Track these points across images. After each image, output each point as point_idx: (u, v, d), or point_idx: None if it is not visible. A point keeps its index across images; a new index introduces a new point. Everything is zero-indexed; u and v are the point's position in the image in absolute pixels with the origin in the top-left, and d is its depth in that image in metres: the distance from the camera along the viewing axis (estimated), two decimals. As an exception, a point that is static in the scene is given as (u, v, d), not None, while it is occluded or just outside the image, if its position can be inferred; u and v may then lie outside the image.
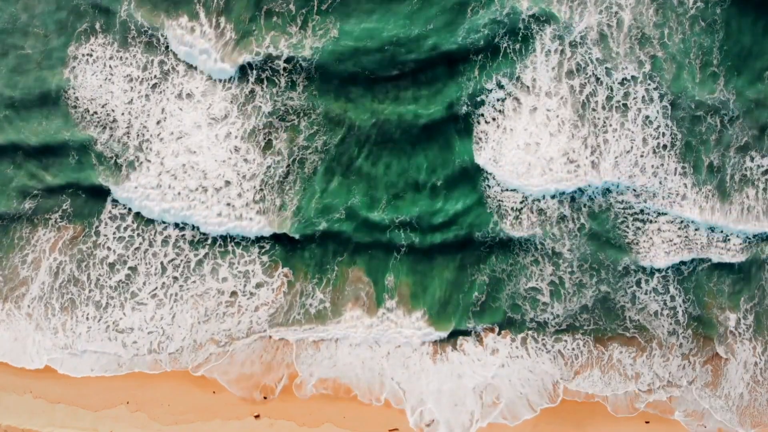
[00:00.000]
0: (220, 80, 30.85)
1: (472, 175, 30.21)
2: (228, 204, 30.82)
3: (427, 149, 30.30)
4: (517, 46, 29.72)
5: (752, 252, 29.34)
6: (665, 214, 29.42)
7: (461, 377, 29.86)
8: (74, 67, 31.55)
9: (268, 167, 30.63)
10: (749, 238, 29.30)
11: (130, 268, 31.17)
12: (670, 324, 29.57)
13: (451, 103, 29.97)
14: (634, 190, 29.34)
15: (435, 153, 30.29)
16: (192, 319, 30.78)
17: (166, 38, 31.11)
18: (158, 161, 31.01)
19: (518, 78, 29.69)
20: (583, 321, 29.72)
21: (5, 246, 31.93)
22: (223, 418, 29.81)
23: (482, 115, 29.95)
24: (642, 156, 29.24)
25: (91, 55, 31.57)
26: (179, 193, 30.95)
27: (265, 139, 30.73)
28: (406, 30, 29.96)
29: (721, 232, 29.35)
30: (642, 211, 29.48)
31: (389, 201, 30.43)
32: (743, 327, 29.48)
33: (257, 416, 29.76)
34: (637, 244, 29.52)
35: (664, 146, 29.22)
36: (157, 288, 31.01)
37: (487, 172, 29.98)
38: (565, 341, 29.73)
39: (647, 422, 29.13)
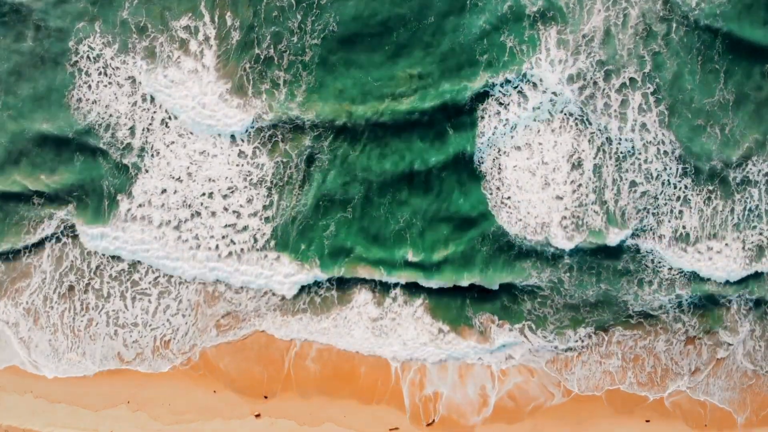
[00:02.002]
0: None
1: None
2: (235, 213, 30.93)
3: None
4: (524, 47, 29.77)
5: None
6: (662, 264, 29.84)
7: (465, 356, 30.02)
8: (76, 62, 31.40)
9: (275, 174, 30.75)
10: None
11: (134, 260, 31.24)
12: (675, 313, 29.73)
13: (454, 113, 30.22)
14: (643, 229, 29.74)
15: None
16: (198, 297, 30.78)
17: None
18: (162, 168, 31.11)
19: (524, 75, 29.73)
20: (585, 314, 29.85)
21: (9, 235, 31.76)
22: (223, 418, 29.76)
23: (485, 109, 30.04)
24: (645, 161, 29.44)
25: (93, 51, 31.47)
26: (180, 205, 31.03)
27: (271, 140, 30.78)
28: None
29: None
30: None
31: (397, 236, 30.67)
32: (744, 311, 29.70)
33: (258, 415, 29.71)
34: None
35: (665, 152, 29.33)
36: (160, 276, 31.00)
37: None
38: (567, 332, 29.86)
39: (647, 421, 29.20)
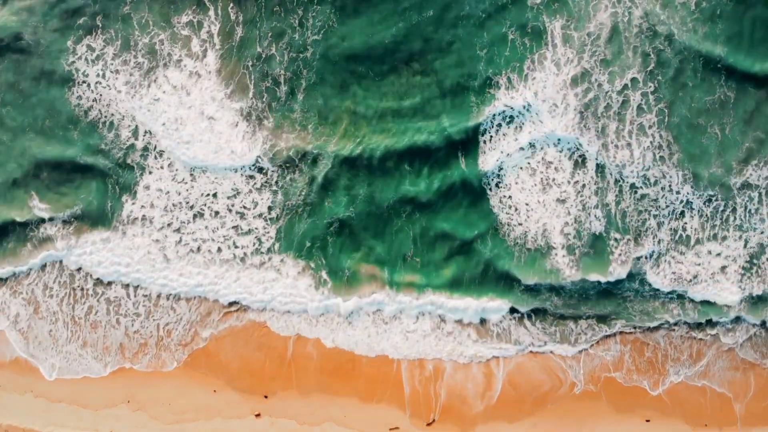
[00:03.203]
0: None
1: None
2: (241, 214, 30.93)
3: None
4: (526, 40, 29.62)
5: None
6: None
7: (466, 344, 30.01)
8: (74, 62, 31.30)
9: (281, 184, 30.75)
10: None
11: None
12: (677, 310, 29.58)
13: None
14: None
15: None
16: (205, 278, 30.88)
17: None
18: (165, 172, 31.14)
19: (526, 76, 29.61)
20: (587, 309, 29.76)
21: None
22: (223, 417, 29.75)
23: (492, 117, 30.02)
24: (644, 169, 29.27)
25: (92, 50, 31.37)
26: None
27: (273, 149, 30.77)
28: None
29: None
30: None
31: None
32: (744, 304, 29.46)
33: (258, 415, 29.68)
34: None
35: (661, 158, 29.12)
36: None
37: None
38: (568, 323, 29.79)
39: (648, 420, 29.13)
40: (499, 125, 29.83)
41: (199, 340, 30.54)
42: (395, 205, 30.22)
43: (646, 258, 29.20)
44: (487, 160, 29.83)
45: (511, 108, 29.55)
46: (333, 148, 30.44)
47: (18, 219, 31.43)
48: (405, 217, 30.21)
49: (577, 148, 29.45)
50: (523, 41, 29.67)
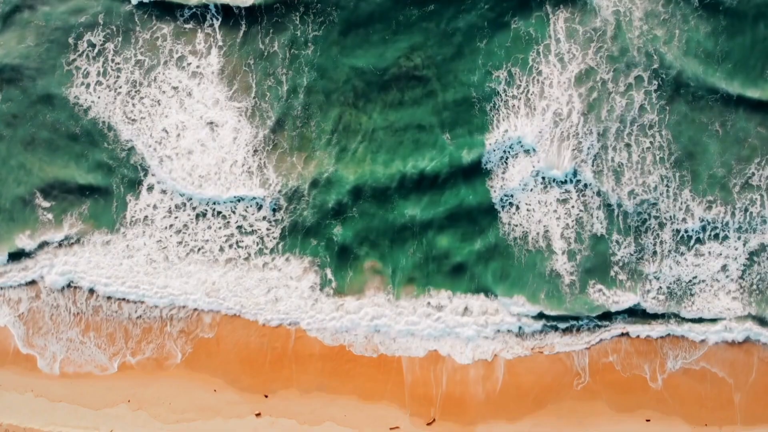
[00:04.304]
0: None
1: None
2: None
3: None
4: (530, 30, 29.51)
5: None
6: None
7: (462, 334, 30.00)
8: (74, 60, 31.25)
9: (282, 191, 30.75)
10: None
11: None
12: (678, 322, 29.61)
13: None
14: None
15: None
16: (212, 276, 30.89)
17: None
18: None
19: (530, 69, 29.53)
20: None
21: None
22: (224, 417, 29.72)
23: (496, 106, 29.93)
24: (642, 174, 29.19)
25: (93, 47, 31.33)
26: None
27: (276, 152, 30.75)
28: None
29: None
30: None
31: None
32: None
33: (258, 414, 29.66)
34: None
35: (661, 159, 29.02)
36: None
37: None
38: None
39: (648, 420, 29.18)
40: (506, 130, 29.81)
41: (203, 327, 30.47)
42: (398, 214, 30.25)
43: (646, 275, 29.24)
44: (492, 163, 29.95)
45: (515, 138, 29.61)
46: (335, 155, 30.53)
47: (26, 248, 31.48)
48: (408, 224, 30.23)
49: (578, 147, 29.54)
50: (527, 31, 29.51)
